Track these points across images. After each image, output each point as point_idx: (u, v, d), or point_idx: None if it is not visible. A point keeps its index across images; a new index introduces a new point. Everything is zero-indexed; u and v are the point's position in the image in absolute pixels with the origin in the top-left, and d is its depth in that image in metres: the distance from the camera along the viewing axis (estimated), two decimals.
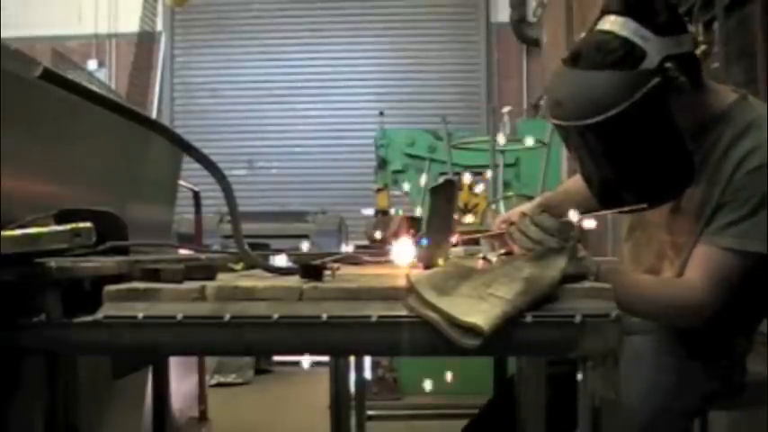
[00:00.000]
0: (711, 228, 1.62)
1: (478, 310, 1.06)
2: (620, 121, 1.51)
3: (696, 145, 1.63)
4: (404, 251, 1.55)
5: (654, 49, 1.52)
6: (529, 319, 1.08)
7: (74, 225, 1.17)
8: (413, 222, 2.43)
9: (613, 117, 1.50)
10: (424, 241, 1.46)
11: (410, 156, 5.22)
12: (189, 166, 2.03)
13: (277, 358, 5.58)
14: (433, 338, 1.07)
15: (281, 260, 1.40)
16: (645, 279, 1.73)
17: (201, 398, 3.68)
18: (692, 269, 1.62)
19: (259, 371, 5.52)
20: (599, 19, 1.60)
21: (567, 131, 1.61)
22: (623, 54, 1.52)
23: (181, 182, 2.82)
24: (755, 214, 1.58)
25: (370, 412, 3.65)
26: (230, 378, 5.23)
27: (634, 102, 1.50)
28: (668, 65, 1.52)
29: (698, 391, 1.73)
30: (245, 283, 1.18)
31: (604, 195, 1.66)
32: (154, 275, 1.21)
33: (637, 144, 1.57)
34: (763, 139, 1.59)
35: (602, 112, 1.51)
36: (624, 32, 1.54)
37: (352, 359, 2.84)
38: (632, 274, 1.76)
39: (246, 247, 1.40)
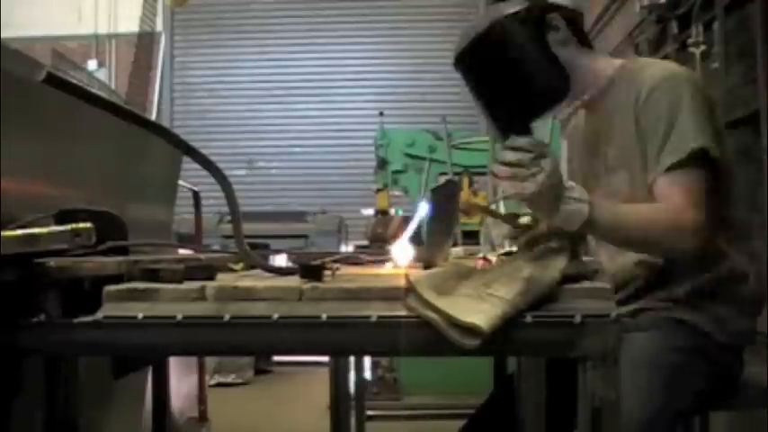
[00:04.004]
0: (650, 166, 1.66)
1: (478, 310, 1.06)
2: (495, 39, 1.63)
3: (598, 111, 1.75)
4: (404, 251, 1.55)
5: None
6: (529, 319, 1.08)
7: (74, 225, 1.17)
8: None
9: (487, 35, 1.63)
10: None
11: (410, 156, 5.20)
12: (189, 166, 2.03)
13: (277, 358, 5.58)
14: (433, 338, 1.07)
15: (281, 260, 1.40)
16: (637, 208, 1.69)
17: (201, 398, 3.67)
18: (665, 203, 1.64)
19: (259, 371, 5.52)
20: None
21: (465, 71, 1.70)
22: None
23: (181, 182, 2.82)
24: (674, 125, 1.63)
25: (369, 412, 3.65)
26: (230, 378, 5.23)
27: (506, 17, 1.62)
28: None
29: (697, 390, 1.73)
30: (245, 283, 1.18)
31: (500, 120, 1.69)
32: (154, 275, 1.21)
33: (516, 60, 1.65)
34: (655, 78, 1.67)
35: (478, 35, 1.64)
36: None
37: (352, 359, 2.84)
38: (623, 206, 1.71)
39: (246, 247, 1.40)
